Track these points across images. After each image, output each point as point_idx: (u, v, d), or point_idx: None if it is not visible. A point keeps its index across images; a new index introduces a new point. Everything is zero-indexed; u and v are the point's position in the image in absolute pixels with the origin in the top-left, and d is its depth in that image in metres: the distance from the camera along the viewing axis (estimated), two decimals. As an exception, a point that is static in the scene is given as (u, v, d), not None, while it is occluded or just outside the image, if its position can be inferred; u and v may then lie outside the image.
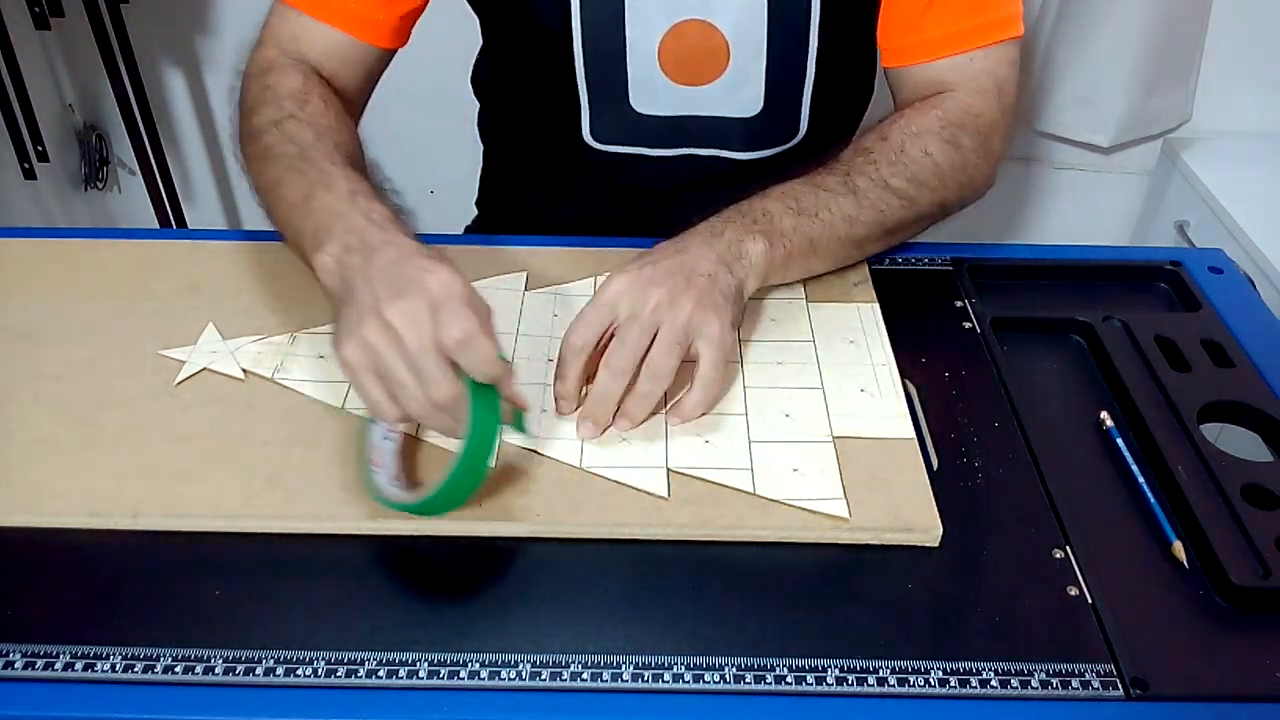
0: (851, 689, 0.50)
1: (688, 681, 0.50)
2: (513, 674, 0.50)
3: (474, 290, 0.57)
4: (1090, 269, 0.81)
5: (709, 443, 0.63)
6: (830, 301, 0.75)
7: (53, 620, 0.53)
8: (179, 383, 0.67)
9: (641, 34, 0.79)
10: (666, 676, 0.50)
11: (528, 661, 0.51)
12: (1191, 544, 0.58)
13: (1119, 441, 0.64)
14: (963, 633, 0.53)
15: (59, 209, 1.74)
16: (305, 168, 0.68)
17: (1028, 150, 1.59)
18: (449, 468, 0.55)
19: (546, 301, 0.74)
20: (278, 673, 0.50)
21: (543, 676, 0.50)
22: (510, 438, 0.58)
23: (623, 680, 0.50)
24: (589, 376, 0.64)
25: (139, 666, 0.50)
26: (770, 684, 0.50)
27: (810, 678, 0.50)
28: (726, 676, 0.50)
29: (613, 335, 0.63)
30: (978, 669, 0.51)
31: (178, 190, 1.64)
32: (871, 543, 0.57)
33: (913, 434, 0.63)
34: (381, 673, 0.50)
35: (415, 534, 0.58)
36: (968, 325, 0.74)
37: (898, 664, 0.51)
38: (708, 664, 0.51)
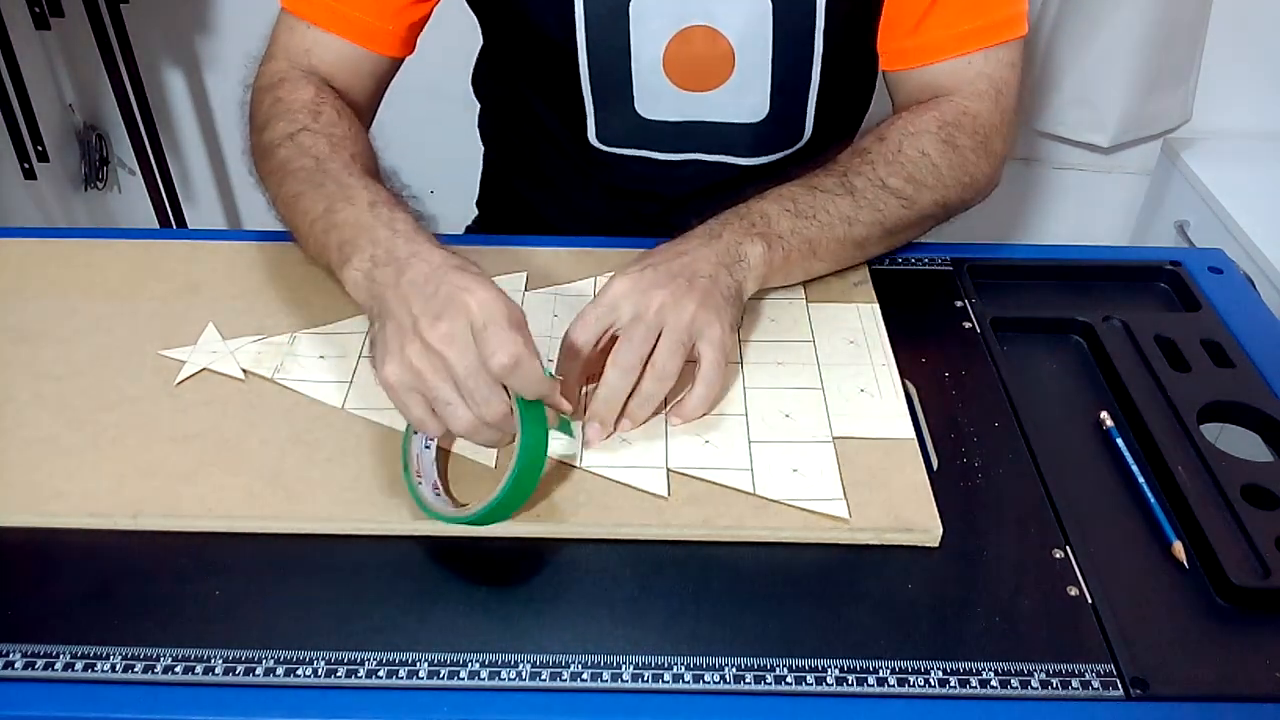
0: (851, 689, 0.50)
1: (688, 681, 0.50)
2: (513, 674, 0.50)
3: (511, 303, 0.57)
4: (1090, 269, 0.81)
5: (709, 443, 0.63)
6: (830, 301, 0.75)
7: (53, 620, 0.53)
8: (179, 383, 0.67)
9: (646, 40, 0.79)
10: (666, 676, 0.50)
11: (528, 661, 0.51)
12: (1191, 544, 0.58)
13: (1119, 441, 0.64)
14: (963, 633, 0.53)
15: (59, 209, 1.74)
16: (324, 180, 0.68)
17: (1028, 150, 1.59)
18: (503, 481, 0.55)
19: (546, 301, 0.74)
20: (278, 673, 0.50)
21: (543, 676, 0.50)
22: (554, 442, 0.59)
23: (623, 680, 0.50)
24: (587, 379, 0.64)
25: (139, 666, 0.50)
26: (770, 684, 0.50)
27: (810, 678, 0.50)
28: (726, 676, 0.50)
29: (612, 338, 0.63)
30: (978, 669, 0.51)
31: (178, 190, 1.64)
32: (871, 543, 0.57)
33: (912, 434, 0.63)
34: (381, 673, 0.50)
35: (415, 534, 0.58)
36: (968, 325, 0.74)
37: (898, 664, 0.51)
38: (708, 664, 0.51)
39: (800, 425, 0.64)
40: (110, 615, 0.53)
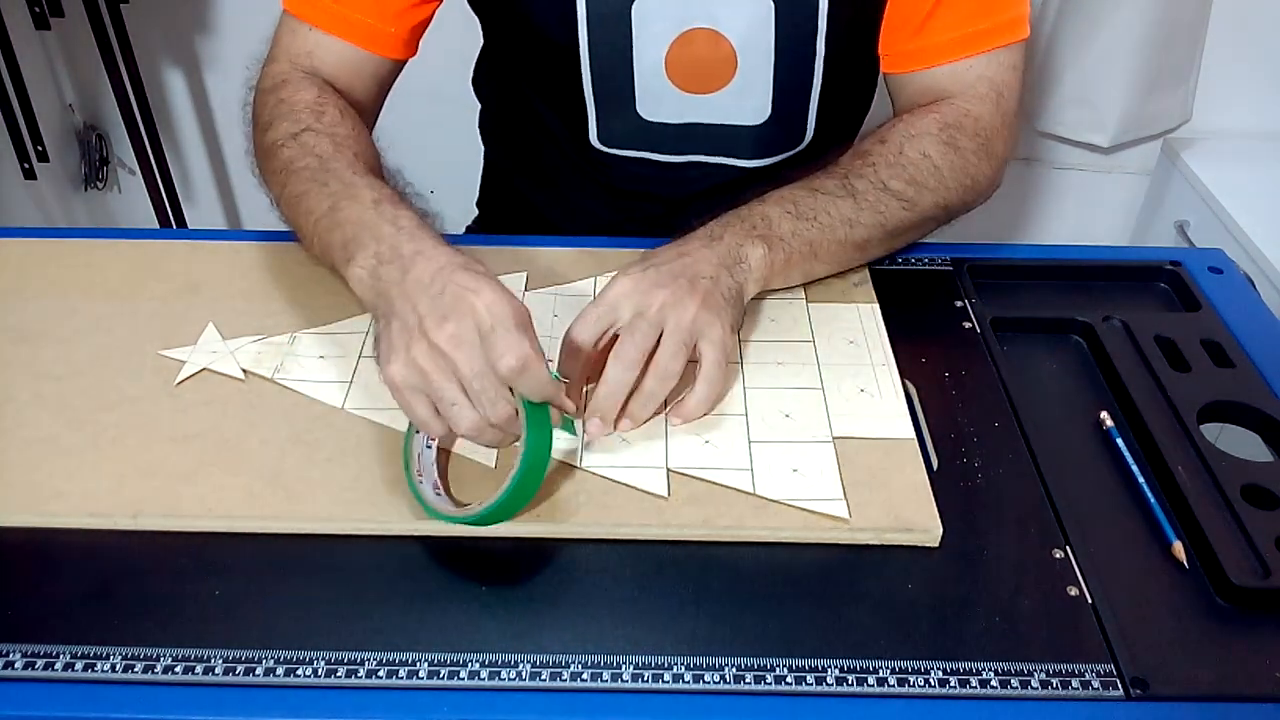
0: (851, 689, 0.50)
1: (688, 681, 0.50)
2: (513, 674, 0.50)
3: (517, 303, 0.57)
4: (1090, 269, 0.81)
5: (709, 443, 0.63)
6: (830, 302, 0.75)
7: (53, 620, 0.53)
8: (179, 383, 0.67)
9: (648, 43, 0.79)
10: (666, 676, 0.50)
11: (528, 661, 0.51)
12: (1191, 544, 0.58)
13: (1119, 441, 0.64)
14: (963, 633, 0.53)
15: (59, 209, 1.74)
16: (328, 179, 0.68)
17: (1028, 150, 1.59)
18: (507, 481, 0.55)
19: (547, 301, 0.74)
20: (278, 673, 0.50)
21: (543, 676, 0.50)
22: (558, 441, 0.59)
23: (623, 680, 0.50)
24: (587, 379, 0.64)
25: (139, 666, 0.50)
26: (770, 684, 0.50)
27: (810, 678, 0.50)
28: (726, 676, 0.50)
29: (613, 337, 0.63)
30: (978, 669, 0.51)
31: (178, 190, 1.64)
32: (871, 543, 0.57)
33: (912, 434, 0.63)
34: (381, 673, 0.50)
35: (415, 534, 0.58)
36: (968, 325, 0.74)
37: (898, 664, 0.51)
38: (708, 664, 0.51)
39: (800, 425, 0.64)
40: (110, 615, 0.53)
